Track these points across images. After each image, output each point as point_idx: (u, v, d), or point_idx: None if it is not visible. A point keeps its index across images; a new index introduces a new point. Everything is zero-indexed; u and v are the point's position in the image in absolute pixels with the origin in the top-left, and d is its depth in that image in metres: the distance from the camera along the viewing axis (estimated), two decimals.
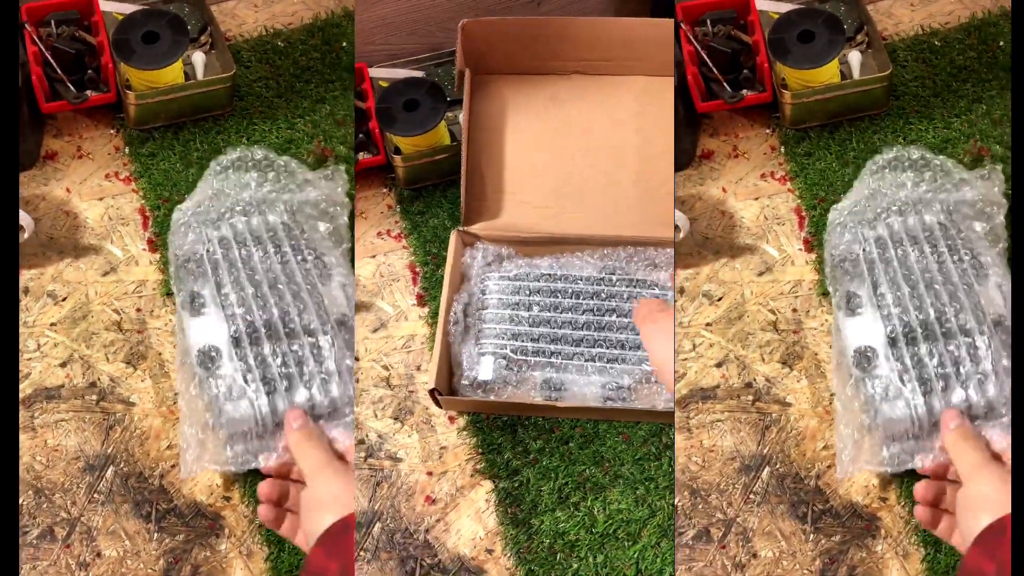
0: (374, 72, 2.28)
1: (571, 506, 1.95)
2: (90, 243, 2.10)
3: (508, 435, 2.00)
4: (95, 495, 1.93)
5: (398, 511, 1.96)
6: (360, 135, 2.20)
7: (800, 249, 2.08)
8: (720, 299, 2.06)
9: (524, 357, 1.99)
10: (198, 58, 2.21)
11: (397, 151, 2.18)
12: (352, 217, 2.06)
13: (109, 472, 1.94)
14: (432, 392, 1.93)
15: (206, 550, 1.91)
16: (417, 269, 2.15)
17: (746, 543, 1.90)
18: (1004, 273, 1.88)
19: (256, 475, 1.92)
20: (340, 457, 1.67)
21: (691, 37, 2.16)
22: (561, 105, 2.14)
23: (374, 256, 2.16)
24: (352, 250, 2.01)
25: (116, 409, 1.98)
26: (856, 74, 2.18)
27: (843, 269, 1.92)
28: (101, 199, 2.14)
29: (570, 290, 2.02)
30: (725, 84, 2.16)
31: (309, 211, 1.99)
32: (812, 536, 1.91)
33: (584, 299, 2.02)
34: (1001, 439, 1.73)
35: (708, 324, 2.04)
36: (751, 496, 1.93)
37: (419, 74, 2.29)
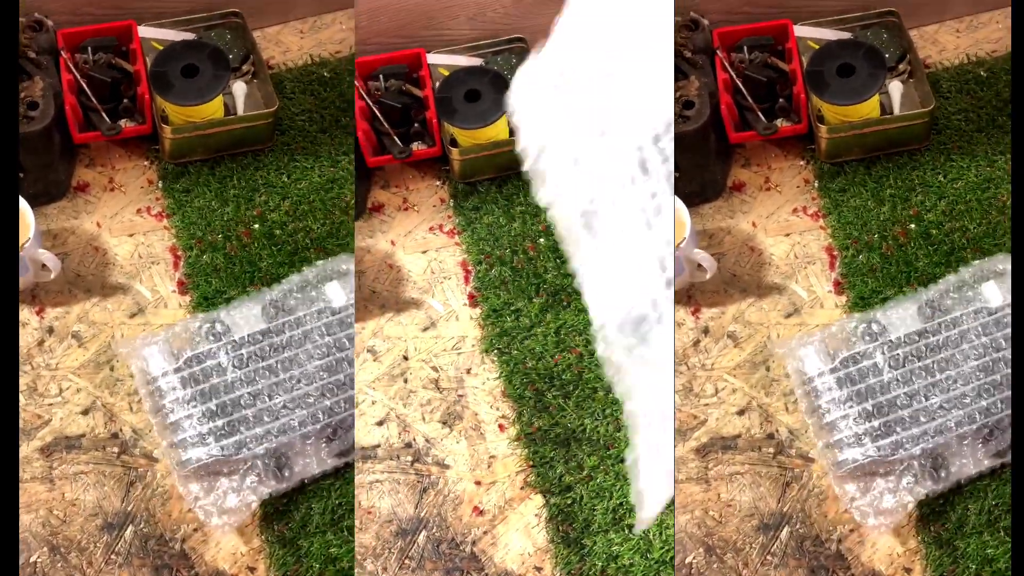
0: (433, 59, 2.22)
1: (626, 528, 1.91)
2: (118, 282, 2.07)
3: (561, 449, 1.96)
4: (113, 556, 1.90)
5: (444, 520, 1.95)
6: (415, 124, 2.18)
7: (830, 291, 2.02)
8: (384, 355, 2.03)
9: None
10: (239, 88, 2.17)
11: (454, 143, 2.14)
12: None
13: (128, 532, 1.91)
14: None
15: None
16: (470, 268, 2.12)
17: None
18: None
19: (281, 545, 1.91)
20: None
21: (726, 64, 2.10)
22: None
23: (425, 252, 2.13)
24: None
25: (138, 464, 1.96)
26: (897, 106, 2.12)
27: None
28: (132, 235, 2.10)
29: None
30: (759, 114, 2.10)
31: None
32: None
33: None
34: None
35: (732, 368, 2.00)
36: (768, 558, 1.89)
37: (478, 62, 2.24)
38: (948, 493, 1.88)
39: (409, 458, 1.98)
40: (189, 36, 2.20)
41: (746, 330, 2.01)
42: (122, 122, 2.13)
